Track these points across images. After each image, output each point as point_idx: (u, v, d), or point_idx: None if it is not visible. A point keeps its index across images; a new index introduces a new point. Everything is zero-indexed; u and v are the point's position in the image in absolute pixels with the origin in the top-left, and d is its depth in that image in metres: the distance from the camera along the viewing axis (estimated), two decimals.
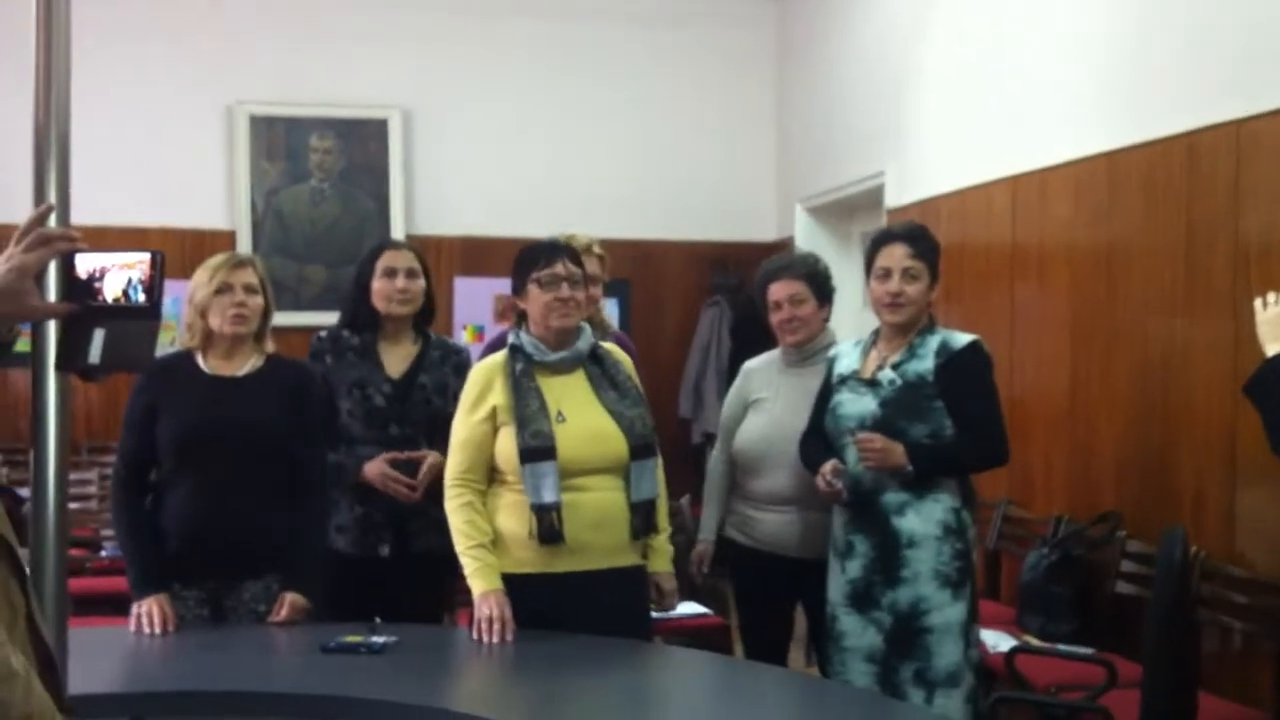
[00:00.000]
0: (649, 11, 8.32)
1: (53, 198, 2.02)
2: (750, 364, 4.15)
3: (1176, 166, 4.25)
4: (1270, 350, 2.84)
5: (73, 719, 1.57)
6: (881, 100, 6.66)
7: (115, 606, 4.78)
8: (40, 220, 1.80)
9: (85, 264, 1.85)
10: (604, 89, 8.26)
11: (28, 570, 1.73)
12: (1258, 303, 2.92)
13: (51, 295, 1.82)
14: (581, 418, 3.27)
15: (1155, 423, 4.37)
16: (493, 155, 8.11)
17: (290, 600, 3.29)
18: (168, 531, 3.34)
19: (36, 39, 2.03)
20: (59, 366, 1.92)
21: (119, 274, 1.85)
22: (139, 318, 1.85)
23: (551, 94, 8.18)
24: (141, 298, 1.85)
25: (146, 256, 1.86)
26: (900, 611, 3.42)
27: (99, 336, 1.84)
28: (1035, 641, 4.33)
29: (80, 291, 1.84)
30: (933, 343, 3.51)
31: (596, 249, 4.11)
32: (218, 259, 3.50)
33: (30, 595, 1.62)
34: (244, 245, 7.78)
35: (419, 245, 7.80)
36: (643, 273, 8.25)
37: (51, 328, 1.94)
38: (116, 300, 1.84)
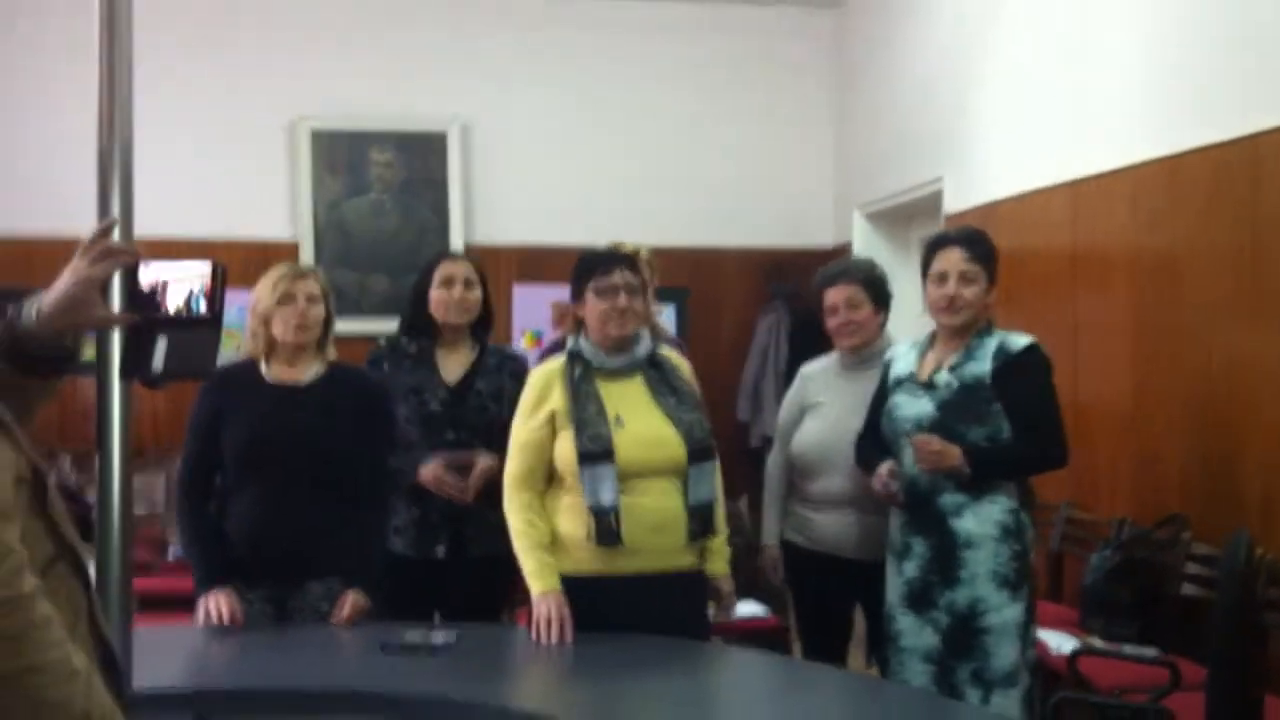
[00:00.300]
0: (707, 21, 8.34)
1: (116, 212, 2.07)
2: (807, 368, 4.15)
3: (1239, 171, 4.19)
4: None
5: (131, 717, 1.61)
6: (940, 106, 6.63)
7: (182, 606, 4.87)
8: (104, 234, 1.84)
9: (148, 275, 1.89)
10: (661, 98, 8.28)
11: (92, 572, 1.78)
12: None
13: (116, 306, 1.87)
14: (640, 422, 3.29)
15: (1220, 427, 4.31)
16: (550, 166, 8.16)
17: (352, 600, 3.34)
18: (232, 536, 3.39)
19: (100, 54, 2.08)
20: (123, 375, 1.97)
21: (181, 285, 1.90)
22: (201, 327, 1.90)
23: (608, 104, 8.22)
24: (203, 308, 1.89)
25: (208, 268, 1.91)
26: (958, 612, 3.41)
27: (162, 345, 1.89)
28: (1099, 643, 4.30)
29: (143, 302, 1.88)
30: (990, 345, 3.50)
31: (644, 253, 4.14)
32: (280, 269, 3.56)
33: (93, 596, 1.67)
34: (307, 256, 7.89)
35: (478, 255, 7.92)
36: (700, 280, 8.26)
37: (116, 337, 1.98)
38: (179, 311, 1.89)
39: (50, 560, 1.58)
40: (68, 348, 1.81)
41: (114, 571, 2.05)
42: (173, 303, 1.90)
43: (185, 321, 1.90)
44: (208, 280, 1.91)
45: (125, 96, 2.10)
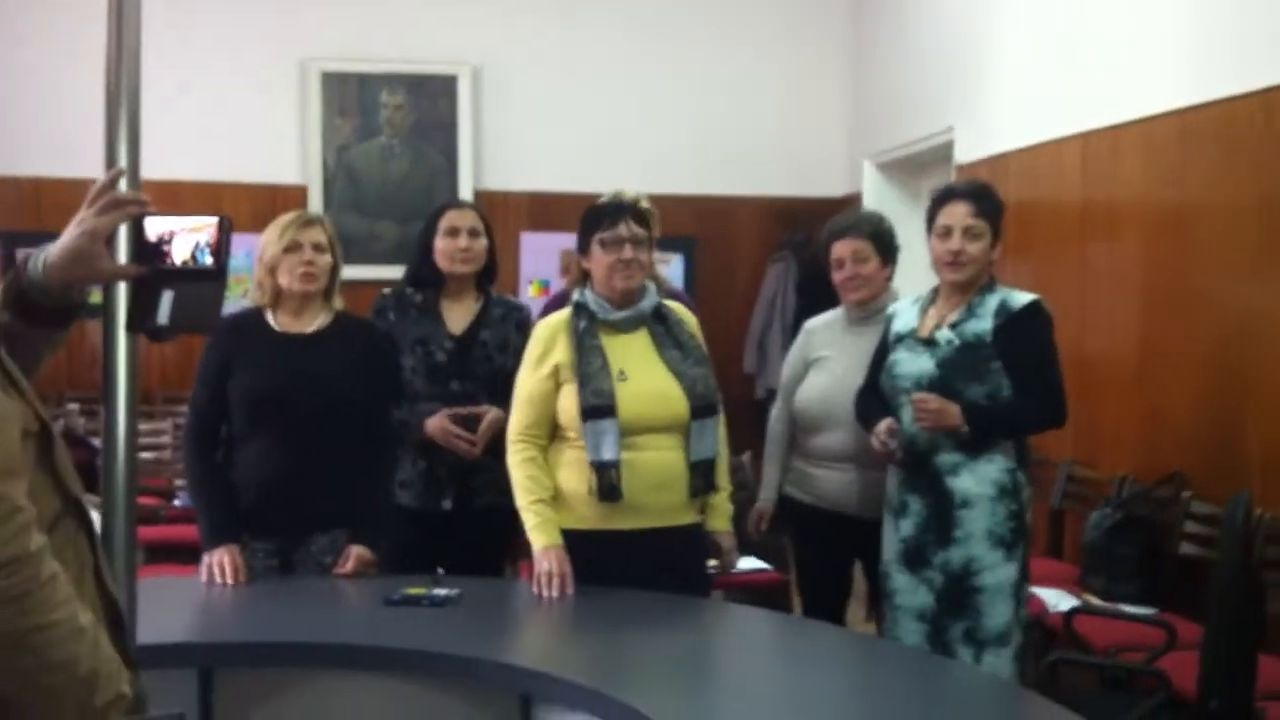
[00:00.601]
0: None
1: (123, 161, 2.06)
2: (812, 323, 4.15)
3: (1251, 125, 4.17)
4: None
5: (137, 672, 1.63)
6: (952, 56, 6.58)
7: (188, 555, 4.91)
8: (111, 184, 1.84)
9: (154, 228, 1.90)
10: (672, 44, 8.23)
11: (97, 523, 1.80)
12: None
13: (122, 258, 1.88)
14: (643, 377, 3.29)
15: (1225, 385, 4.32)
16: (560, 111, 8.13)
17: (356, 553, 3.36)
18: (239, 486, 3.41)
19: (109, 13, 2.07)
20: (129, 327, 1.97)
21: (187, 237, 1.90)
22: (206, 280, 1.90)
23: (619, 49, 8.18)
24: (209, 261, 1.90)
25: (214, 221, 1.91)
26: (952, 571, 3.43)
27: (168, 298, 1.89)
28: (1096, 601, 4.33)
29: (149, 254, 1.89)
30: (992, 302, 3.49)
31: (645, 204, 4.12)
32: (287, 218, 3.54)
33: (99, 550, 1.68)
34: (315, 201, 7.89)
35: (485, 201, 7.90)
36: (710, 228, 8.25)
37: (122, 289, 1.99)
38: (185, 263, 1.89)
39: (57, 516, 1.59)
40: (75, 300, 1.82)
41: (119, 522, 2.06)
42: (178, 255, 1.91)
43: (191, 274, 1.90)
44: (214, 233, 1.92)
45: (133, 46, 2.08)
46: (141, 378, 2.11)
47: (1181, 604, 4.11)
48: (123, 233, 1.87)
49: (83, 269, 1.79)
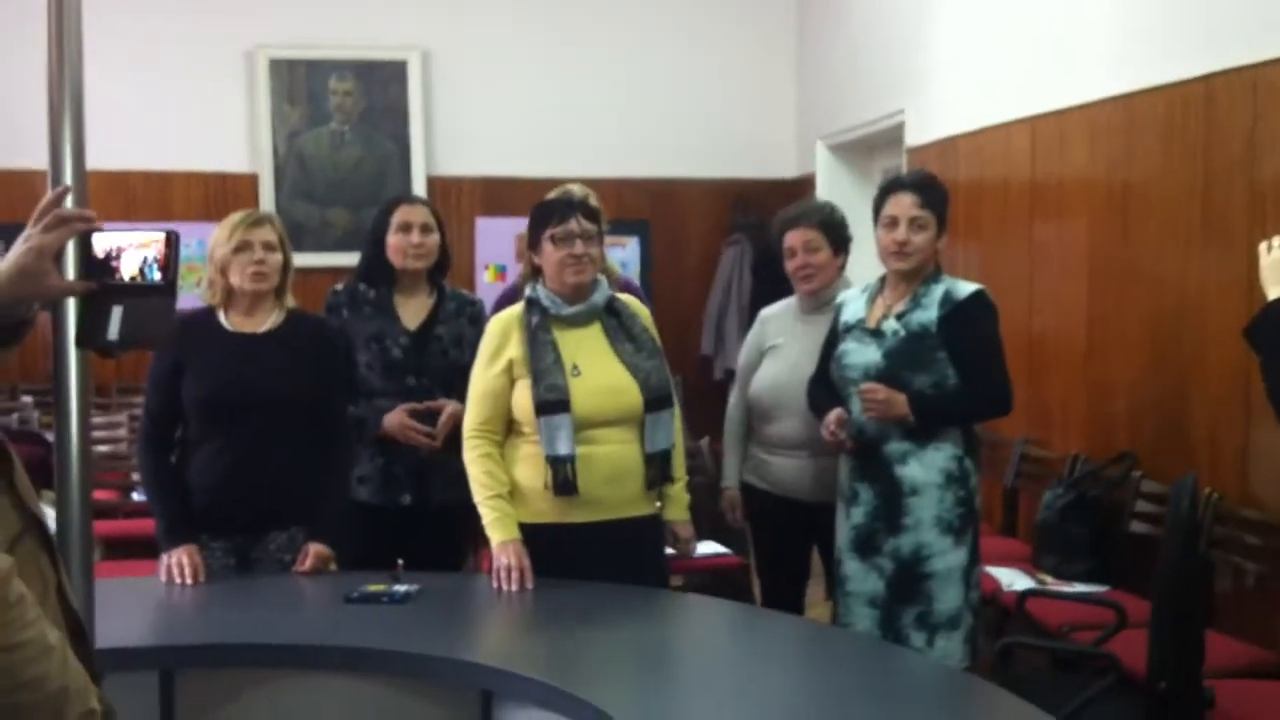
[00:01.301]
0: None
1: (67, 160, 2.04)
2: (766, 311, 4.19)
3: (1193, 111, 4.23)
4: (1272, 294, 2.82)
5: (101, 684, 1.64)
6: (902, 39, 6.62)
7: (147, 550, 4.89)
8: (57, 201, 1.84)
9: (102, 243, 1.90)
10: (625, 27, 8.23)
11: (51, 522, 1.80)
12: (1262, 246, 2.90)
13: (70, 274, 1.87)
14: (597, 371, 3.31)
15: (1171, 363, 4.39)
16: (512, 95, 8.12)
17: (314, 550, 3.36)
18: (194, 487, 3.40)
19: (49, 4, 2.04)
20: (79, 343, 1.97)
21: (135, 253, 1.91)
22: (155, 295, 1.90)
23: (571, 33, 8.17)
24: (157, 276, 1.90)
25: (161, 235, 1.91)
26: (903, 558, 3.49)
27: (117, 314, 1.90)
28: (1050, 580, 4.40)
29: (98, 270, 1.89)
30: (937, 292, 3.54)
31: (593, 200, 4.14)
32: (235, 217, 3.53)
33: (60, 567, 1.69)
34: (266, 189, 7.85)
35: (438, 187, 7.88)
36: (664, 211, 8.28)
37: (71, 306, 1.98)
38: (133, 278, 1.90)
39: (18, 534, 1.59)
40: (23, 316, 1.81)
41: (75, 525, 2.05)
42: (127, 271, 1.91)
43: (140, 289, 1.91)
44: (162, 248, 1.92)
45: (75, 35, 2.04)
46: (96, 370, 2.11)
47: (1134, 581, 4.18)
48: (70, 249, 1.87)
49: (31, 286, 1.78)
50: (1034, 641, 3.75)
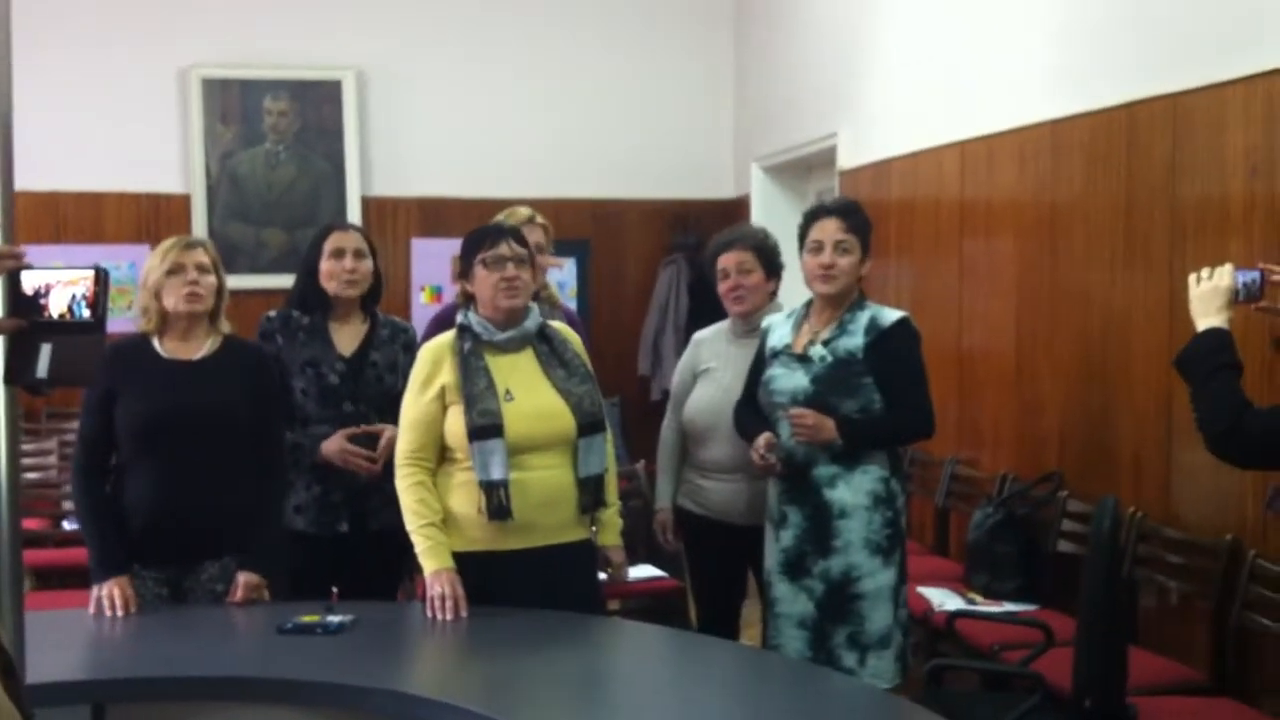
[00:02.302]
0: None
1: None
2: (700, 335, 4.23)
3: (1116, 137, 4.33)
4: (1201, 325, 2.89)
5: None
6: (835, 63, 6.70)
7: (78, 579, 4.83)
8: None
9: (31, 281, 1.90)
10: (560, 47, 8.25)
11: None
12: (1191, 278, 2.97)
13: None
14: (529, 396, 3.33)
15: (1096, 384, 4.47)
16: (449, 115, 8.11)
17: (244, 580, 3.35)
18: (128, 514, 3.38)
19: None
20: (7, 380, 1.97)
21: (64, 290, 1.91)
22: (84, 333, 1.91)
23: (507, 53, 8.17)
24: (86, 313, 1.91)
25: (90, 273, 1.92)
26: (832, 579, 3.54)
27: (46, 351, 1.90)
28: (980, 599, 4.46)
29: (26, 307, 1.89)
30: (862, 319, 3.61)
31: (539, 219, 4.19)
32: (168, 242, 3.52)
33: None
34: (199, 209, 7.79)
35: (374, 208, 7.85)
36: (601, 231, 8.30)
37: None
38: (62, 316, 1.90)
39: None
40: None
41: (5, 565, 2.05)
42: (56, 308, 1.92)
43: (69, 327, 1.91)
44: (90, 285, 1.93)
45: (3, 68, 2.05)
46: (26, 396, 2.10)
47: (1062, 600, 4.26)
48: None
49: None
50: (963, 663, 3.81)
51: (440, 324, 3.81)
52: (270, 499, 3.52)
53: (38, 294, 1.91)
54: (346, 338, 3.84)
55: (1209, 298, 2.90)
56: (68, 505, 5.72)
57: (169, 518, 3.36)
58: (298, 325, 3.83)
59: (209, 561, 3.40)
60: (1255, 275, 2.88)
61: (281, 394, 3.70)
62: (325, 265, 3.80)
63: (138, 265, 6.99)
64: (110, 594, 3.27)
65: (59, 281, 1.92)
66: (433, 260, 7.90)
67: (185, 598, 3.40)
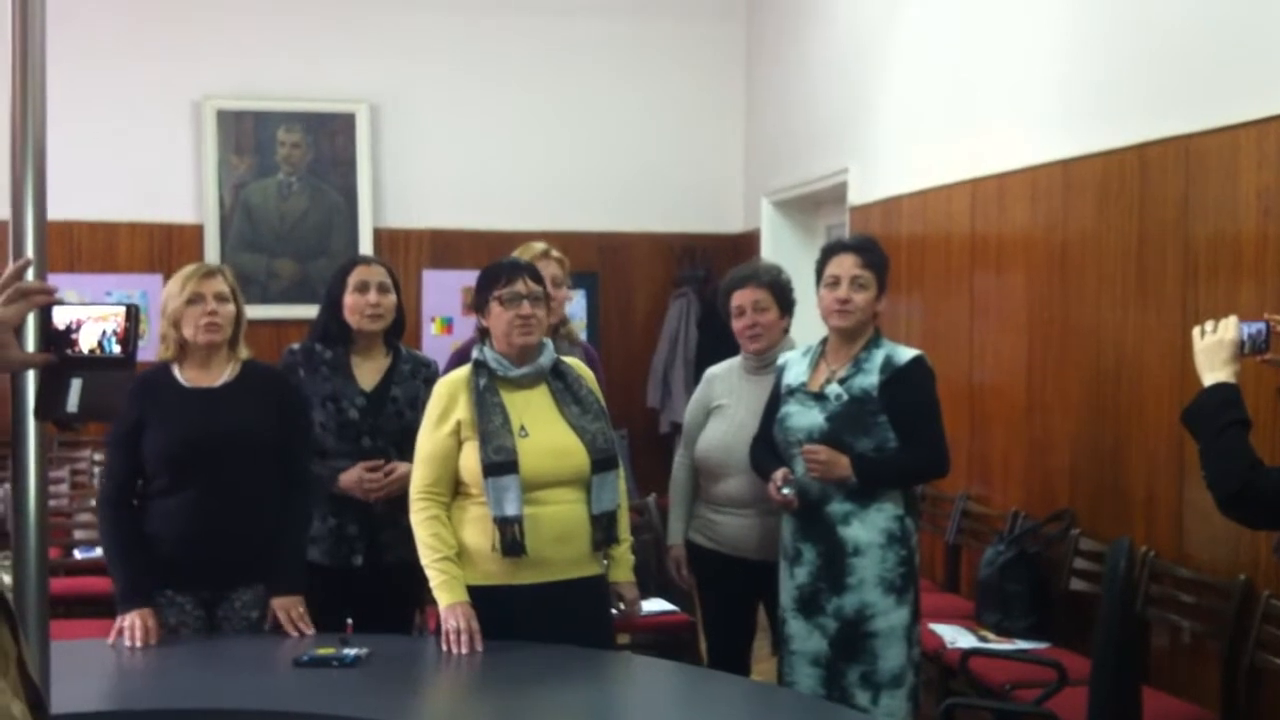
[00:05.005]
0: (618, 5, 8.36)
1: (29, 233, 2.08)
2: (712, 370, 4.25)
3: (1129, 177, 4.35)
4: (1207, 380, 2.85)
5: None
6: (847, 99, 6.74)
7: (91, 608, 4.84)
8: (18, 274, 1.86)
9: (62, 316, 1.92)
10: (572, 81, 8.30)
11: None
12: (1195, 331, 2.93)
13: (30, 346, 1.90)
14: (544, 432, 3.35)
15: (1107, 422, 4.48)
16: (460, 148, 8.15)
17: (278, 605, 3.39)
18: (157, 542, 3.41)
19: (13, 63, 2.08)
20: (38, 415, 1.99)
21: (94, 325, 1.93)
22: (114, 368, 1.93)
23: (519, 87, 8.22)
24: (116, 349, 1.93)
25: (121, 309, 1.94)
26: (846, 617, 3.55)
27: (76, 386, 1.92)
28: (992, 636, 4.45)
29: (58, 342, 1.91)
30: (878, 357, 3.63)
31: (554, 253, 4.20)
32: (187, 270, 3.55)
33: (21, 639, 1.70)
34: (212, 239, 7.82)
35: (385, 239, 7.88)
36: (611, 264, 8.33)
37: (30, 377, 2.00)
38: (92, 351, 1.92)
39: None
40: None
41: (31, 588, 2.07)
42: (86, 343, 1.94)
43: (99, 362, 1.93)
44: (121, 321, 1.95)
45: (39, 104, 2.10)
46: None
47: (1075, 638, 4.26)
48: (31, 321, 1.89)
49: None
50: (977, 702, 3.80)
51: (461, 359, 3.83)
52: (296, 519, 3.56)
53: (69, 329, 1.93)
54: (368, 372, 3.86)
55: (1214, 351, 2.85)
56: (80, 534, 5.74)
57: (199, 544, 3.39)
58: (320, 359, 3.85)
59: (242, 588, 3.43)
60: (1261, 327, 2.83)
61: (305, 421, 3.71)
62: (349, 299, 3.81)
63: (150, 295, 7.04)
64: (134, 624, 3.29)
65: (90, 317, 1.94)
66: (443, 292, 7.94)
67: (219, 626, 3.43)
